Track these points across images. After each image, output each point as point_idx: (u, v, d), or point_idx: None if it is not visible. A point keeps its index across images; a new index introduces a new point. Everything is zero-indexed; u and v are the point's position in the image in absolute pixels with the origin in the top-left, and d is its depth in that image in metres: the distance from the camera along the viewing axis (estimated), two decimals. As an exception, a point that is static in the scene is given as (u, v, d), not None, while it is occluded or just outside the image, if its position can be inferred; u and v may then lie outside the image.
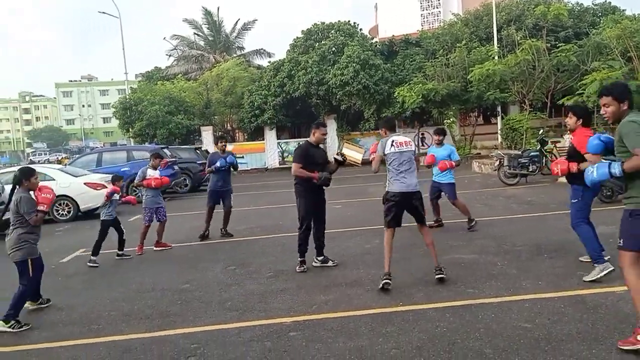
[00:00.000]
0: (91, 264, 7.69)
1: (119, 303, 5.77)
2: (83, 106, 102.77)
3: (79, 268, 7.74)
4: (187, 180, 18.47)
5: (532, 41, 19.46)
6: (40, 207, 5.29)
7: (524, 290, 5.18)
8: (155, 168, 8.57)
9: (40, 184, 5.62)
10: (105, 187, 13.34)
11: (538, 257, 6.45)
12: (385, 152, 5.63)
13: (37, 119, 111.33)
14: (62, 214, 13.10)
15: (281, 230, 9.36)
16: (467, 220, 8.48)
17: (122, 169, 16.49)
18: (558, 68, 19.48)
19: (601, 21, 23.00)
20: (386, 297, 5.32)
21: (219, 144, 9.32)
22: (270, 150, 27.80)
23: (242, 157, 27.75)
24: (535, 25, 22.99)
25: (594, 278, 5.24)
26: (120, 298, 5.97)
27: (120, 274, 7.20)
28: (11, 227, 5.38)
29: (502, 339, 4.05)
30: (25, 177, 5.42)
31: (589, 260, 5.61)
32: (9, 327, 5.08)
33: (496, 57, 21.11)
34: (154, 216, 8.47)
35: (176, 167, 17.51)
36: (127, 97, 29.13)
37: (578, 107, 6.10)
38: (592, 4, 26.72)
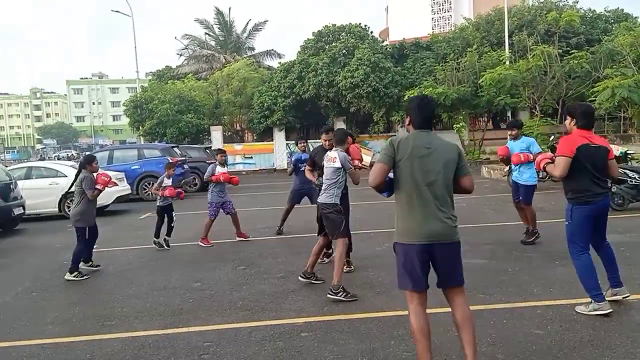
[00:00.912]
0: (157, 246, 8.55)
1: (131, 300, 5.83)
2: (93, 103, 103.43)
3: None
4: (197, 180, 18.53)
5: (544, 47, 19.42)
6: (98, 186, 7.01)
7: (536, 297, 5.18)
8: (222, 164, 8.84)
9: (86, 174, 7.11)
10: (116, 184, 13.47)
11: (549, 264, 6.45)
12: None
13: (48, 115, 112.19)
14: (73, 210, 13.20)
15: (290, 231, 9.39)
16: (526, 231, 7.71)
17: (132, 167, 16.67)
18: (570, 74, 19.43)
19: (613, 28, 22.95)
20: (398, 300, 5.32)
21: (300, 145, 9.34)
22: (278, 151, 27.85)
23: (251, 157, 27.90)
24: (547, 31, 22.93)
25: (585, 312, 4.57)
26: (133, 295, 6.03)
27: (132, 272, 7.26)
28: (75, 202, 7.08)
29: (514, 345, 4.06)
30: (88, 163, 7.15)
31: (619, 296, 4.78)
32: (74, 276, 6.85)
33: (507, 62, 21.08)
34: (220, 210, 8.73)
35: (186, 167, 17.61)
36: (138, 95, 29.32)
37: (573, 106, 5.03)
38: (605, 10, 26.64)
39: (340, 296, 5.33)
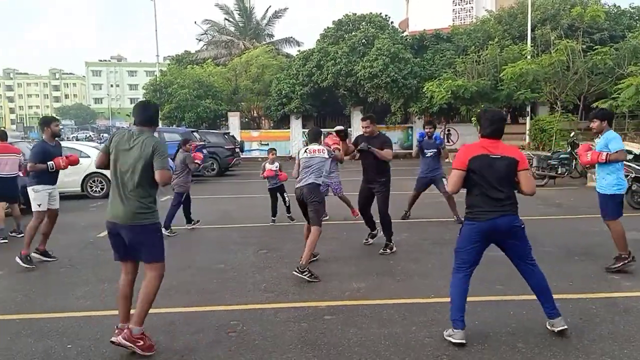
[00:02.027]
0: (272, 222, 9.30)
1: (157, 278, 5.99)
2: (111, 86, 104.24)
3: (116, 243, 8.00)
4: (215, 165, 18.73)
5: (567, 42, 19.20)
6: (197, 161, 9.16)
7: (555, 290, 5.17)
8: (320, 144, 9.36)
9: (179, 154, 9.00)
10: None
11: (568, 259, 6.49)
12: (300, 157, 6.36)
13: (66, 96, 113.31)
14: (96, 190, 13.47)
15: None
16: (617, 257, 5.83)
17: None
18: (592, 70, 19.18)
19: (638, 25, 22.60)
20: (418, 288, 5.46)
21: (427, 130, 9.10)
22: (295, 139, 27.95)
23: (267, 144, 28.04)
24: (570, 26, 22.62)
25: (445, 335, 4.10)
26: (159, 274, 6.19)
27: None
28: (175, 175, 8.36)
29: (534, 335, 4.15)
30: (184, 144, 9.01)
31: None
32: (168, 232, 8.22)
33: (529, 57, 20.88)
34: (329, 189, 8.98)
35: (205, 151, 17.77)
36: (158, 79, 29.55)
37: (480, 112, 4.44)
38: (630, 7, 26.20)
39: (305, 275, 5.72)
